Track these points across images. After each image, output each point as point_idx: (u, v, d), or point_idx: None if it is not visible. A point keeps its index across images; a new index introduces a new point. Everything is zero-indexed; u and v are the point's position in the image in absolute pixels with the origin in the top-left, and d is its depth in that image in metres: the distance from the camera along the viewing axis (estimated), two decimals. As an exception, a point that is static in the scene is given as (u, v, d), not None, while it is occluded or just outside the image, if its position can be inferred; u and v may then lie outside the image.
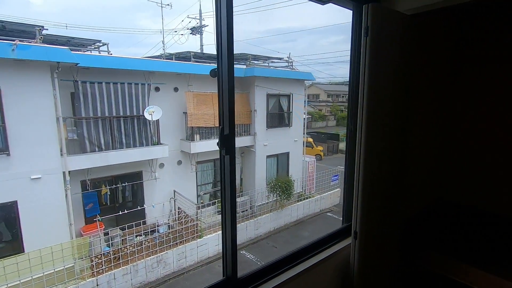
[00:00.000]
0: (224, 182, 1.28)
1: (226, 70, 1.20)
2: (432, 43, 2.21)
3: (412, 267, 2.16)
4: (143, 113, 8.68)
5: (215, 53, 1.24)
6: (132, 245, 7.52)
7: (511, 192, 2.26)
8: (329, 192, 12.61)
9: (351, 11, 1.85)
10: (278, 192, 10.70)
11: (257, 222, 10.00)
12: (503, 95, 2.31)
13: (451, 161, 2.56)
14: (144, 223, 8.33)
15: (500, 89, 2.32)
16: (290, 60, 13.21)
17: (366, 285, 1.66)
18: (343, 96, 43.06)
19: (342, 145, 23.26)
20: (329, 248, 1.78)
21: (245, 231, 9.55)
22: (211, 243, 8.67)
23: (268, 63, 13.36)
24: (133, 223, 7.69)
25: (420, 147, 2.26)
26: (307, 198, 11.95)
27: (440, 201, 2.59)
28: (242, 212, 10.47)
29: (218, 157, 1.29)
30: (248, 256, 8.83)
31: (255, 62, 12.76)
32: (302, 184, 12.68)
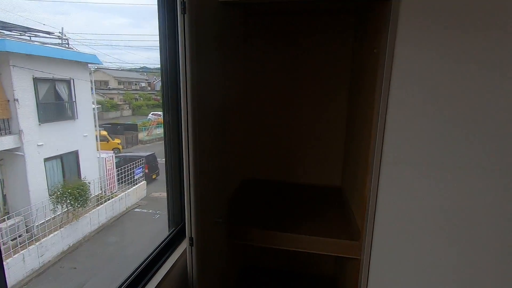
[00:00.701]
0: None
1: None
2: (234, 31, 2.34)
3: (233, 244, 2.31)
4: None
5: None
6: None
7: (299, 165, 2.88)
8: (134, 187, 11.80)
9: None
10: (69, 201, 8.69)
11: (41, 246, 7.70)
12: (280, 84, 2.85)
13: (252, 143, 2.95)
14: None
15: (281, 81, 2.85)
16: (64, 37, 10.65)
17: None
18: (136, 84, 40.72)
19: (142, 135, 22.30)
20: (165, 263, 1.50)
21: (22, 263, 7.09)
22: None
23: (30, 36, 10.10)
24: None
25: (233, 130, 2.37)
26: (109, 199, 10.56)
27: (242, 181, 2.91)
28: (12, 240, 7.65)
29: None
30: (33, 295, 6.66)
31: (6, 32, 9.26)
32: (101, 185, 11.04)
